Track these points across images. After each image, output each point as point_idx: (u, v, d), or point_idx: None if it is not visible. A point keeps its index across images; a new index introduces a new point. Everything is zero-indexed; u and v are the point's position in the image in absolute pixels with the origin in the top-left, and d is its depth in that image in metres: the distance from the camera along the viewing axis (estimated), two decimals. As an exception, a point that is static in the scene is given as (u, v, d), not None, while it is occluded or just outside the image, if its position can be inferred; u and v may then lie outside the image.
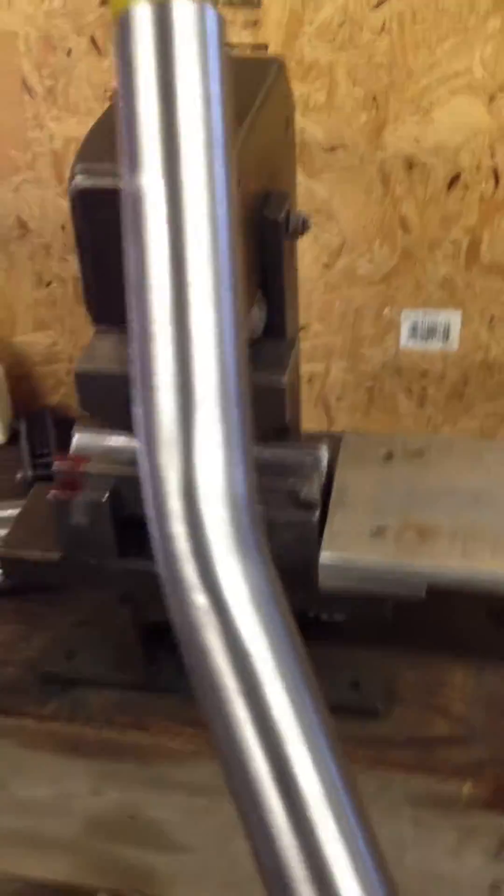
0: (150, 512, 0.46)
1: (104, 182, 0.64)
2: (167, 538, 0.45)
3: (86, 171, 0.64)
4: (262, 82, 0.71)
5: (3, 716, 0.92)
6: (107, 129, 0.68)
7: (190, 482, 0.46)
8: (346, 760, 0.43)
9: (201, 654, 0.44)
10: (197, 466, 0.46)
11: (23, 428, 1.27)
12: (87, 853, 1.00)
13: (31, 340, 1.29)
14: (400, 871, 0.90)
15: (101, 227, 0.65)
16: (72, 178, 0.64)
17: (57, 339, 1.28)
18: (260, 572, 0.46)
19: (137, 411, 0.49)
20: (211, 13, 0.44)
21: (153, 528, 0.46)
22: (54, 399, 1.34)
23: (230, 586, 0.45)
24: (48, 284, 1.23)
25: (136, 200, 0.46)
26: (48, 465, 1.22)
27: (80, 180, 0.64)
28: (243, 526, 0.46)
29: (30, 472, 1.21)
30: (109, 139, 0.66)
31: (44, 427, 1.27)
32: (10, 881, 1.36)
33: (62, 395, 1.34)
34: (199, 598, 0.44)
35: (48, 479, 1.18)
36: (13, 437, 1.29)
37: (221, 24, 0.46)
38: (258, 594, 0.45)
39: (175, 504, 0.45)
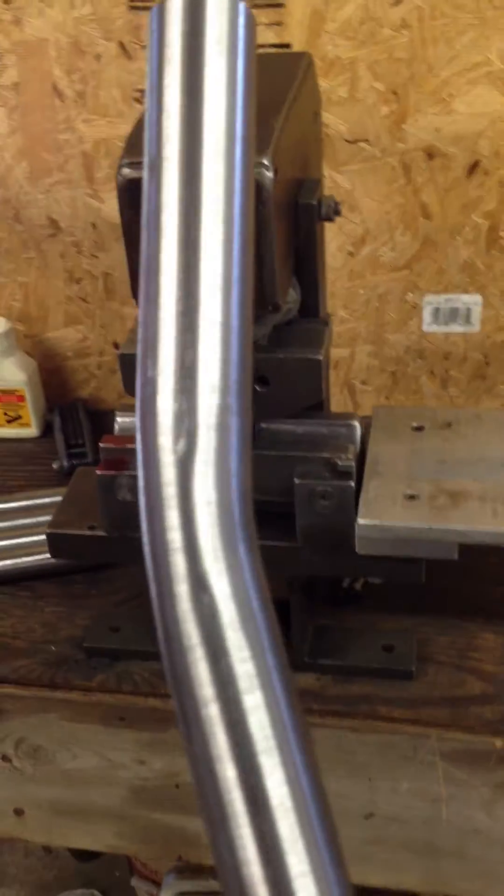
0: (142, 501, 0.45)
1: (150, 172, 0.68)
2: (160, 531, 0.44)
3: (131, 164, 0.69)
4: (294, 77, 0.76)
5: (51, 689, 0.96)
6: (149, 124, 0.72)
7: (186, 475, 0.45)
8: (315, 763, 0.43)
9: (178, 643, 0.44)
10: (194, 458, 0.45)
11: (56, 420, 1.31)
12: (131, 821, 1.04)
13: (63, 335, 1.33)
14: (437, 827, 0.95)
15: (148, 215, 0.70)
16: (119, 170, 0.69)
17: (87, 333, 1.32)
18: (247, 570, 0.46)
19: (137, 391, 0.49)
20: (242, 8, 0.47)
21: (144, 519, 0.45)
22: (86, 392, 1.39)
23: (217, 581, 0.44)
24: (79, 281, 1.28)
25: (153, 175, 0.47)
26: (83, 455, 1.27)
27: (127, 172, 0.69)
28: (234, 523, 0.46)
29: (65, 462, 1.25)
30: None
31: (77, 419, 1.32)
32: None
33: (93, 387, 1.38)
34: (182, 589, 0.44)
35: (86, 465, 1.24)
36: (47, 429, 1.34)
37: (252, 20, 0.48)
38: (242, 590, 0.45)
39: (170, 495, 0.44)
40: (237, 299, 0.47)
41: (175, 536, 0.44)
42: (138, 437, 0.47)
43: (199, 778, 0.40)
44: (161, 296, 0.47)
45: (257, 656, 0.42)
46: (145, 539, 0.45)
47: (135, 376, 0.81)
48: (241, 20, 0.47)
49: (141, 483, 0.46)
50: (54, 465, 1.25)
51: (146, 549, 0.45)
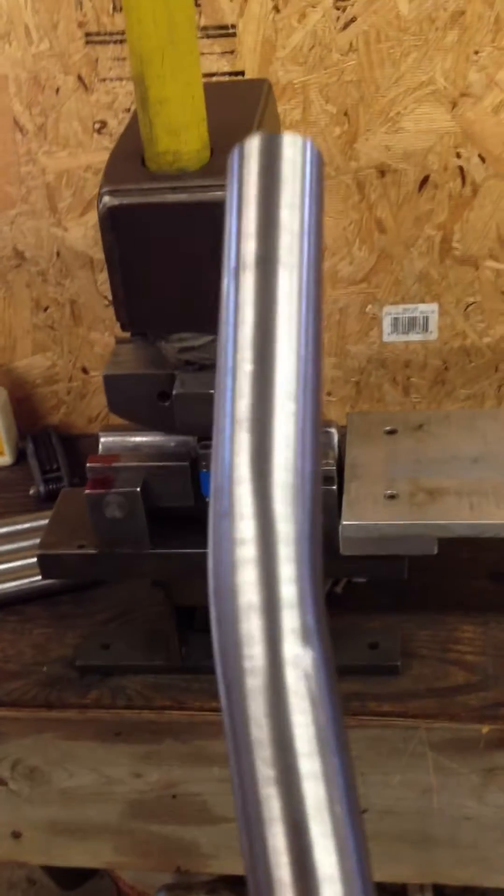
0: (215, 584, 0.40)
1: (129, 199, 0.72)
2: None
3: (112, 192, 0.72)
4: (258, 102, 0.80)
5: (46, 709, 0.98)
6: (123, 154, 0.76)
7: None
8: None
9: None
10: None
11: (30, 447, 1.33)
12: (129, 836, 1.06)
13: (31, 363, 1.35)
14: (429, 817, 0.98)
15: (129, 241, 0.73)
16: (100, 198, 0.72)
17: (56, 360, 1.35)
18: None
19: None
20: (311, 148, 0.49)
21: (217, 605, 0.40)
22: (56, 418, 1.41)
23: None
24: (45, 309, 1.30)
25: (230, 297, 0.45)
26: (59, 479, 1.29)
27: (108, 200, 0.72)
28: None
29: (42, 488, 1.27)
30: (127, 162, 0.74)
31: (50, 444, 1.34)
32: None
33: (63, 413, 1.40)
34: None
35: (56, 495, 1.26)
36: (20, 456, 1.36)
37: (320, 158, 0.48)
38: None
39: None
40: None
41: None
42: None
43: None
44: None
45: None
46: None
47: (120, 398, 0.84)
48: (312, 157, 0.47)
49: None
50: (31, 491, 1.27)
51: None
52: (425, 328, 1.23)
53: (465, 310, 1.21)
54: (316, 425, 0.44)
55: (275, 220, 0.46)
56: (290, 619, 0.38)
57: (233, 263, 0.46)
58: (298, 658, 0.37)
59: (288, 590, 0.38)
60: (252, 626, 0.38)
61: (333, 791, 0.36)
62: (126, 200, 0.71)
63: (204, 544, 0.79)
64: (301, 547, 0.39)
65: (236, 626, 0.38)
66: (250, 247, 0.46)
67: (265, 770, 0.36)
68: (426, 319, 1.22)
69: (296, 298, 0.44)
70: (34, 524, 1.17)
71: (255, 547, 0.39)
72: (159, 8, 0.64)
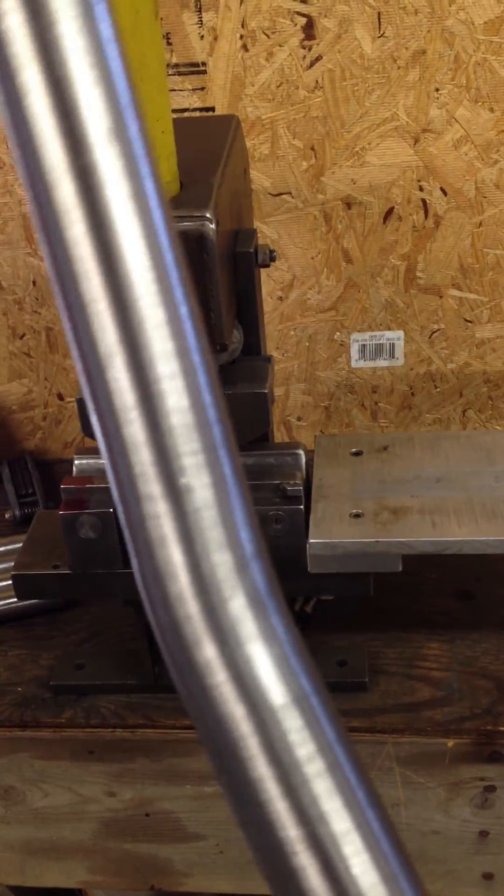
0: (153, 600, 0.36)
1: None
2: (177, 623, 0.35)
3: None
4: (226, 137, 0.83)
5: (20, 729, 1.00)
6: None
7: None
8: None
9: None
10: None
11: (5, 472, 1.35)
12: (103, 854, 1.07)
13: (8, 390, 1.38)
14: (397, 830, 1.00)
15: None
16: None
17: (32, 387, 1.37)
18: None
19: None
20: None
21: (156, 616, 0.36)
22: (31, 444, 1.43)
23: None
24: (22, 337, 1.33)
25: None
26: (34, 503, 1.31)
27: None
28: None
29: (17, 511, 1.29)
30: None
31: (25, 469, 1.36)
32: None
33: (38, 439, 1.42)
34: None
35: (31, 519, 1.28)
36: (-4, 482, 1.38)
37: None
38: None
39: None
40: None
41: None
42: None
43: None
44: None
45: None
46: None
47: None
48: None
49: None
50: (7, 516, 1.29)
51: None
52: (392, 354, 1.26)
53: (430, 337, 1.25)
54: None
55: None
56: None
57: None
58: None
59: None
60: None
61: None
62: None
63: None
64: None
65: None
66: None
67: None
68: (392, 346, 1.26)
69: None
70: (9, 548, 1.19)
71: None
72: (130, 46, 0.68)
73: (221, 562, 0.35)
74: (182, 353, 0.33)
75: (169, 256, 0.33)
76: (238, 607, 0.35)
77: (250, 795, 0.35)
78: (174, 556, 0.34)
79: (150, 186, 0.33)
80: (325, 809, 0.35)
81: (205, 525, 0.34)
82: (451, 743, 0.92)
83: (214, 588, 0.34)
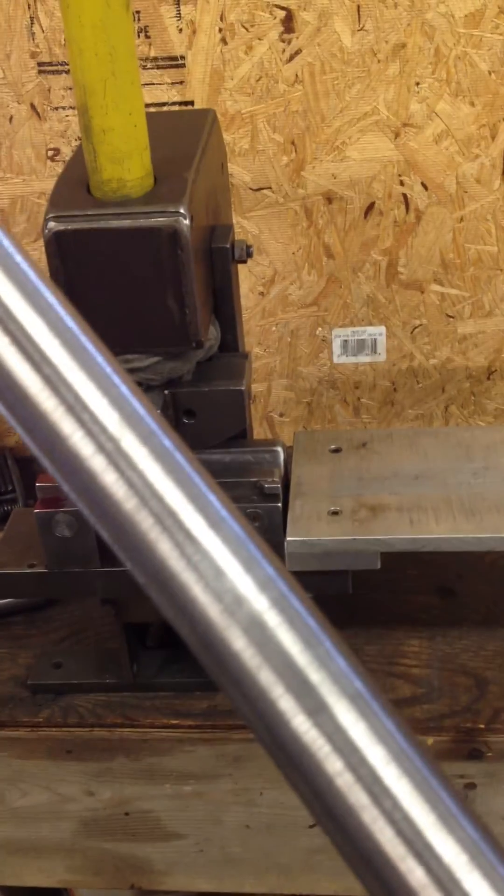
0: None
1: (73, 225, 0.74)
2: None
3: (56, 218, 0.74)
4: (202, 132, 0.82)
5: (-1, 729, 0.99)
6: (69, 182, 0.78)
7: None
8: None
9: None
10: None
11: (-15, 469, 1.34)
12: (83, 854, 1.06)
13: (-13, 386, 1.36)
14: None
15: (74, 265, 0.75)
16: (45, 223, 0.74)
17: (11, 383, 1.36)
18: None
19: None
20: None
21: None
22: (13, 439, 1.42)
23: None
24: (1, 332, 1.31)
25: None
26: (13, 501, 1.30)
27: (53, 225, 0.74)
28: None
29: (-4, 509, 1.28)
30: (72, 189, 0.76)
31: (5, 466, 1.34)
32: None
33: (19, 435, 1.41)
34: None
35: (6, 516, 1.27)
36: (-24, 479, 1.37)
37: None
38: None
39: None
40: None
41: None
42: None
43: None
44: None
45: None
46: None
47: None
48: None
49: None
50: (-15, 513, 1.28)
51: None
52: (374, 350, 1.26)
53: (412, 332, 1.25)
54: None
55: None
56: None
57: None
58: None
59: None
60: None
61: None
62: (70, 226, 0.73)
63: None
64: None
65: None
66: None
67: None
68: (374, 342, 1.25)
69: None
70: (-12, 546, 1.18)
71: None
72: (101, 41, 0.67)
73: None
74: None
75: None
76: None
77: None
78: None
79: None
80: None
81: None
82: (430, 741, 0.92)
83: None
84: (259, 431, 1.35)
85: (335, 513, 0.84)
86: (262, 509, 0.84)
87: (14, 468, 1.34)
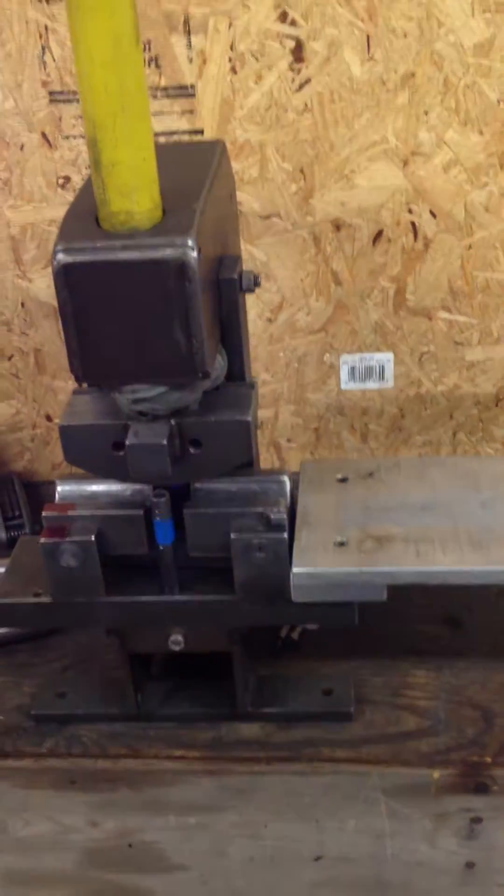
0: None
1: (81, 257, 0.74)
2: None
3: (65, 250, 0.74)
4: (210, 163, 0.83)
5: (2, 759, 0.98)
6: (78, 213, 0.78)
7: None
8: None
9: None
10: None
11: (-8, 493, 1.34)
12: (86, 885, 1.05)
13: (-5, 410, 1.37)
14: (383, 863, 0.99)
15: (82, 296, 0.75)
16: (54, 255, 0.74)
17: (20, 408, 1.36)
18: None
19: None
20: None
21: None
22: (20, 465, 1.42)
23: None
24: (10, 358, 1.32)
25: None
26: (20, 526, 1.30)
27: (62, 257, 0.74)
28: None
29: (3, 534, 1.28)
30: (81, 221, 0.77)
31: (12, 491, 1.34)
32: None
33: (27, 460, 1.41)
34: None
35: (24, 535, 1.26)
36: (-17, 503, 1.36)
37: None
38: None
39: None
40: None
41: None
42: None
43: None
44: None
45: None
46: None
47: (76, 448, 0.85)
48: None
49: None
50: (-8, 538, 1.27)
51: None
52: (382, 377, 1.25)
53: (420, 359, 1.24)
54: None
55: None
56: None
57: None
58: None
59: None
60: None
61: None
62: (79, 258, 0.73)
63: (157, 592, 0.79)
64: None
65: None
66: None
67: None
68: (382, 368, 1.25)
69: None
70: (-6, 570, 1.18)
71: None
72: (111, 76, 0.67)
73: None
74: None
75: None
76: None
77: None
78: None
79: None
80: None
81: None
82: (436, 774, 0.91)
83: None
84: (266, 457, 1.34)
85: (341, 544, 0.83)
86: (267, 540, 0.84)
87: (21, 493, 1.34)
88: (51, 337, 1.29)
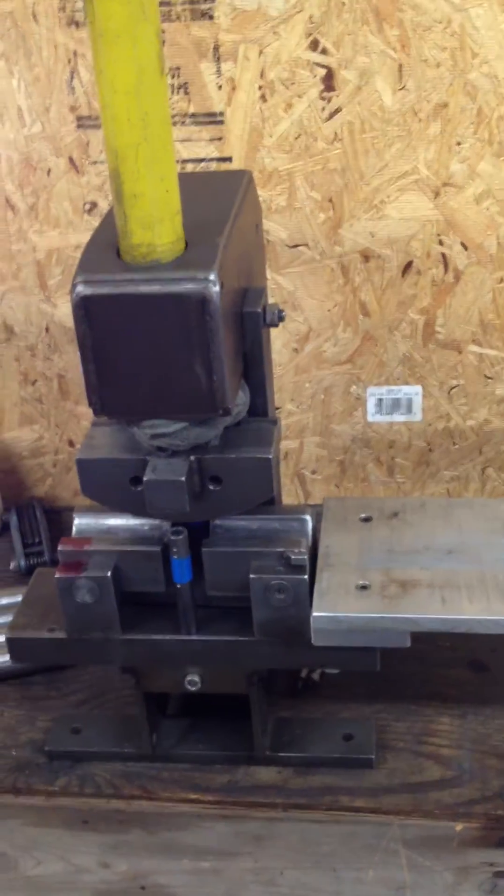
0: None
1: (101, 289, 0.72)
2: None
3: (86, 281, 0.72)
4: (236, 193, 0.81)
5: (13, 795, 0.96)
6: (99, 245, 0.76)
7: None
8: None
9: None
10: None
11: (13, 520, 1.32)
12: (98, 927, 1.03)
13: (18, 436, 1.35)
14: (403, 916, 0.95)
15: (102, 329, 0.73)
16: (74, 287, 0.72)
17: (42, 433, 1.35)
18: None
19: None
20: None
21: None
22: (41, 490, 1.41)
23: None
24: (34, 383, 1.30)
25: None
26: (40, 554, 1.28)
27: (81, 289, 0.72)
28: None
29: (23, 562, 1.26)
30: (102, 253, 0.75)
31: (33, 518, 1.33)
32: None
33: (49, 486, 1.40)
34: None
35: (43, 564, 1.25)
36: (3, 528, 1.35)
37: None
38: None
39: None
40: None
41: None
42: None
43: None
44: None
45: None
46: None
47: (93, 482, 0.84)
48: None
49: None
50: (12, 566, 1.26)
51: None
52: (409, 409, 1.23)
53: (449, 392, 1.22)
54: None
55: None
56: None
57: None
58: None
59: None
60: None
61: None
62: (98, 290, 0.72)
63: (174, 631, 0.76)
64: None
65: None
66: None
67: None
68: (410, 401, 1.22)
69: None
70: (11, 600, 1.16)
71: None
72: (133, 106, 0.66)
73: None
74: None
75: None
76: None
77: None
78: None
79: None
80: None
81: None
82: (459, 827, 0.88)
83: None
84: (290, 489, 1.32)
85: (364, 587, 0.81)
86: (287, 581, 0.81)
87: (42, 520, 1.32)
88: (75, 362, 1.27)
